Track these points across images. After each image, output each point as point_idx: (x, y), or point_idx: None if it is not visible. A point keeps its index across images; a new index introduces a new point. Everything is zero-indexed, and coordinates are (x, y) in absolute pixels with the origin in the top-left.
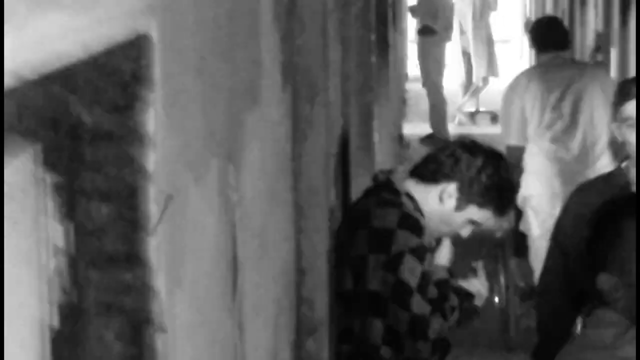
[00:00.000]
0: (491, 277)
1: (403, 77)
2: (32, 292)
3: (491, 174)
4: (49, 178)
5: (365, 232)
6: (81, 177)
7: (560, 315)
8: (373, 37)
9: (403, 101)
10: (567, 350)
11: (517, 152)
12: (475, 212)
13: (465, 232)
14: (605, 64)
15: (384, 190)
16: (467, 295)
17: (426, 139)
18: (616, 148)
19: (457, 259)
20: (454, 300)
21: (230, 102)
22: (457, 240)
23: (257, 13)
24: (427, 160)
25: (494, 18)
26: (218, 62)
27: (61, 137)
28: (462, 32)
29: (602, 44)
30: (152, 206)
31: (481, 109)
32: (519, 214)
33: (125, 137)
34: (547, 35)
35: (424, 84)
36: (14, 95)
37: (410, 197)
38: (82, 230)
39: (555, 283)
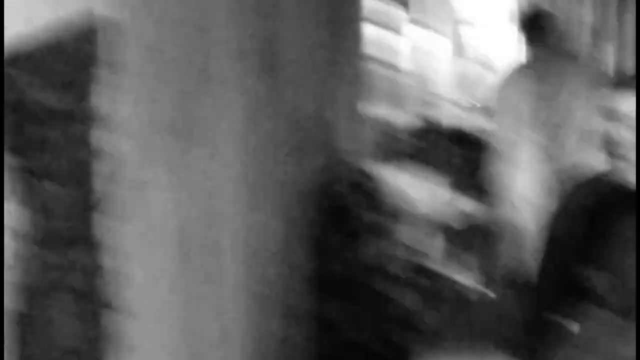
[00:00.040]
0: (484, 270)
1: (362, 56)
2: None
3: (478, 162)
4: (6, 160)
5: (332, 214)
6: (30, 156)
7: (551, 313)
8: (332, 15)
9: (362, 81)
10: (554, 346)
11: (507, 143)
12: (464, 201)
13: (456, 221)
14: (595, 57)
15: (352, 172)
16: (457, 285)
17: (421, 131)
18: (610, 147)
19: (450, 252)
20: (447, 292)
21: (184, 81)
22: (449, 233)
23: None
24: (413, 149)
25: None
26: (172, 41)
27: (16, 118)
28: (439, 17)
29: (593, 37)
30: (100, 184)
31: (471, 101)
32: (509, 207)
33: (79, 117)
34: (537, 27)
35: (405, 71)
36: None
37: (379, 179)
38: (32, 209)
39: (550, 280)
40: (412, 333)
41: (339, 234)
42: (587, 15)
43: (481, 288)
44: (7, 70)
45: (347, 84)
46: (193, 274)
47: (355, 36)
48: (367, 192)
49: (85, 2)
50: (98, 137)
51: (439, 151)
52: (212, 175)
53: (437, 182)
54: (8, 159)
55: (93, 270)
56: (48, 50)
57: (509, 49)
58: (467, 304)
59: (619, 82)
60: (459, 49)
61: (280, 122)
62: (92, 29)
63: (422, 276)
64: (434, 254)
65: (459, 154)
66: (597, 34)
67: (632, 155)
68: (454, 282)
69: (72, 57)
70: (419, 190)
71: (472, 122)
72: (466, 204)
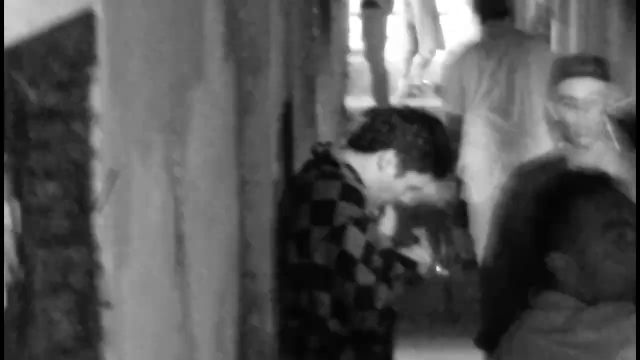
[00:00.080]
0: (434, 247)
1: (345, 50)
2: None
3: (427, 138)
4: (5, 159)
5: (307, 206)
6: (27, 155)
7: (506, 300)
8: (315, 10)
9: (346, 74)
10: (512, 333)
11: (456, 120)
12: (414, 177)
13: (407, 198)
14: (545, 36)
15: (324, 162)
16: (411, 263)
17: (369, 112)
18: (563, 131)
19: (400, 228)
20: (398, 268)
21: (175, 77)
22: (400, 210)
23: None
24: (363, 129)
25: None
26: (162, 38)
27: (7, 115)
28: (408, 4)
29: (542, 16)
30: (98, 184)
31: (425, 81)
32: (460, 184)
33: (70, 114)
34: (487, 4)
35: (366, 57)
36: None
37: (350, 168)
38: (28, 209)
39: (500, 267)
40: (368, 312)
41: (315, 225)
42: None
43: (434, 266)
44: (6, 70)
45: (332, 79)
46: (189, 270)
47: (341, 31)
48: (350, 185)
49: (84, 1)
50: (96, 136)
51: (390, 131)
52: (206, 173)
53: (389, 161)
54: (7, 159)
55: (91, 270)
56: (40, 46)
57: (459, 28)
58: (420, 281)
59: (561, 64)
60: (416, 34)
61: (267, 119)
62: (90, 28)
63: (375, 255)
64: (385, 230)
65: (409, 131)
66: (547, 14)
67: (584, 140)
68: (404, 258)
69: (70, 57)
70: (376, 174)
71: (425, 101)
72: (418, 182)
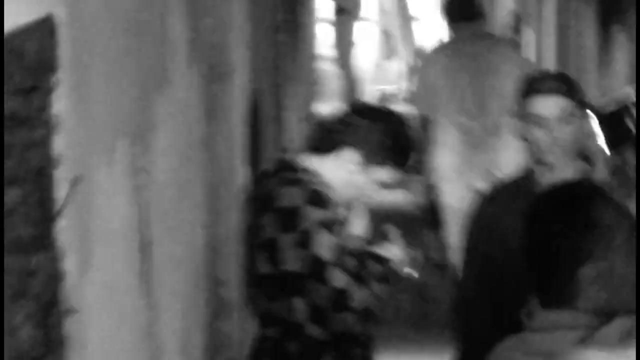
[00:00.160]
0: (406, 250)
1: (313, 56)
2: None
3: (383, 129)
4: None
5: (271, 214)
6: None
7: (486, 327)
8: (282, 16)
9: (314, 80)
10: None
11: (426, 122)
12: (377, 171)
13: (377, 194)
14: (516, 41)
15: (283, 169)
16: (384, 260)
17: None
18: (530, 149)
19: (370, 227)
20: (373, 267)
21: (138, 83)
22: (371, 214)
23: None
24: (320, 131)
25: None
26: (125, 43)
27: None
28: (383, 11)
29: (515, 22)
30: (60, 189)
31: (397, 87)
32: (432, 188)
33: (32, 120)
34: (458, 7)
35: (337, 63)
36: None
37: (311, 172)
38: None
39: (480, 295)
40: (345, 313)
41: (282, 233)
42: (508, 0)
43: (405, 268)
44: None
45: (300, 85)
46: (154, 277)
47: (308, 37)
48: (313, 189)
49: (38, 3)
50: (59, 142)
51: (346, 129)
52: (172, 180)
53: (350, 158)
54: None
55: (54, 276)
56: (7, 56)
57: (430, 34)
58: (396, 278)
59: (533, 82)
60: (389, 39)
61: (235, 126)
62: (52, 34)
63: (347, 256)
64: (356, 231)
65: (364, 125)
66: (519, 19)
67: (550, 158)
68: (378, 256)
69: (31, 63)
70: (338, 173)
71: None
72: (382, 175)
